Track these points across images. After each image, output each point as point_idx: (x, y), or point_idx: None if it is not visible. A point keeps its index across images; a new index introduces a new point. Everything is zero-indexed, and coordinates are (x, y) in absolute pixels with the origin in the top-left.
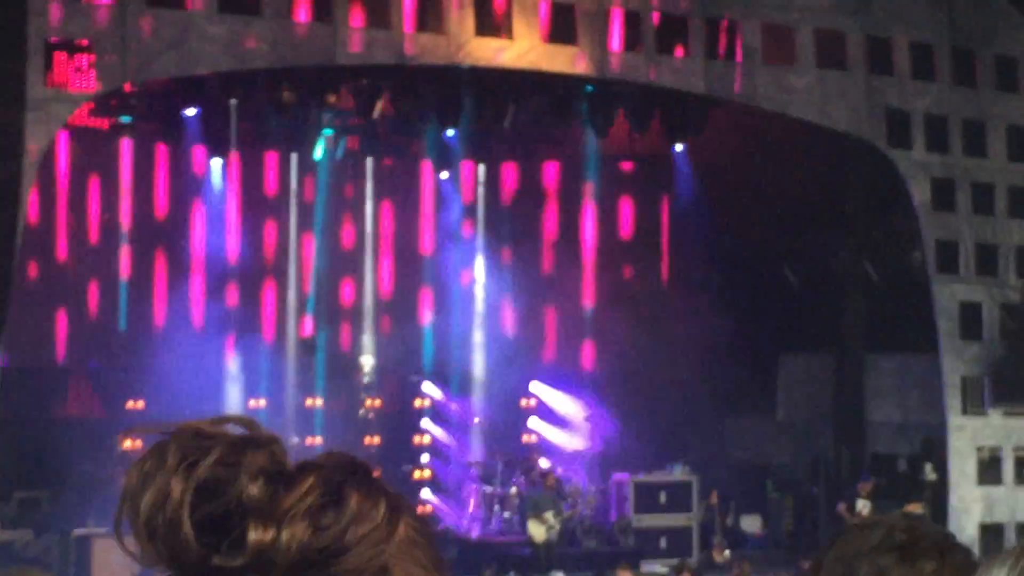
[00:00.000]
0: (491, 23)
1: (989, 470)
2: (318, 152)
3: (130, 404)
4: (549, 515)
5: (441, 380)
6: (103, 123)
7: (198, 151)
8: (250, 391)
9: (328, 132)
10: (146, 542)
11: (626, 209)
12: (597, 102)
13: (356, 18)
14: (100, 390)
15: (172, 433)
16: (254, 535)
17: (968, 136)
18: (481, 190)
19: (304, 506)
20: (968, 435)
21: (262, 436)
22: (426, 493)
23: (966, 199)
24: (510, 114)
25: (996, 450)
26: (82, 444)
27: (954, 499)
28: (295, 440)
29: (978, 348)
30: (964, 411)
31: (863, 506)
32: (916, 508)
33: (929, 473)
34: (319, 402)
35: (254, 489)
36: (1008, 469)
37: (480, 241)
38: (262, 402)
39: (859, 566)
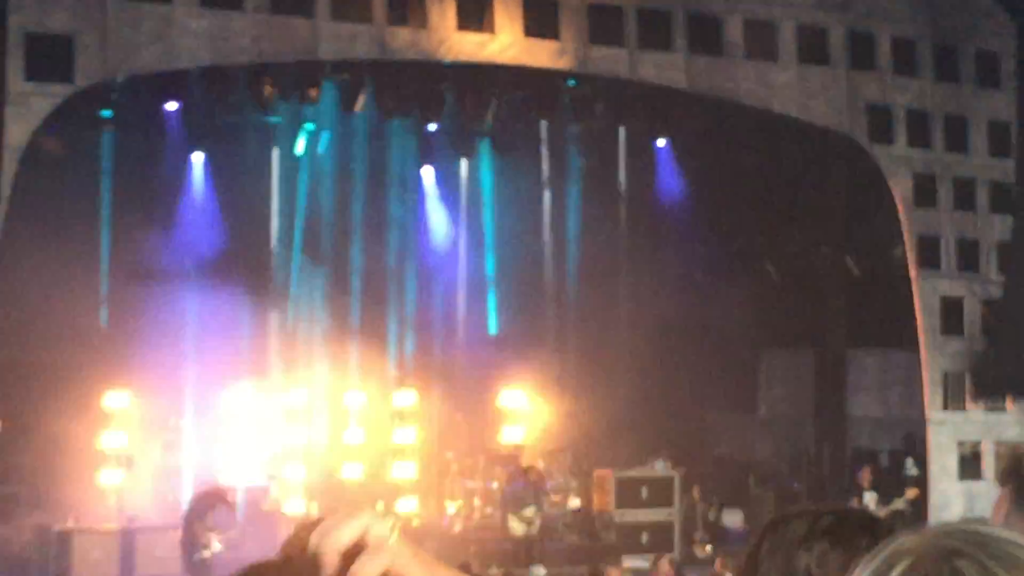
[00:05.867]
0: (473, 17)
1: (970, 465)
2: (299, 147)
3: (110, 399)
4: (530, 511)
5: (422, 375)
6: (84, 117)
7: (179, 145)
8: (233, 386)
9: (310, 127)
10: None
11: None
12: (579, 97)
13: (337, 13)
14: (81, 385)
15: None
16: None
17: (950, 131)
18: (464, 184)
19: None
20: (949, 430)
21: None
22: (407, 488)
23: (948, 194)
24: (492, 109)
25: (977, 445)
26: (62, 440)
27: (935, 494)
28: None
29: (959, 343)
30: (945, 406)
31: (871, 498)
32: (913, 494)
33: (910, 468)
34: (301, 397)
35: None
36: (989, 464)
37: (463, 236)
38: (243, 397)
39: (799, 557)
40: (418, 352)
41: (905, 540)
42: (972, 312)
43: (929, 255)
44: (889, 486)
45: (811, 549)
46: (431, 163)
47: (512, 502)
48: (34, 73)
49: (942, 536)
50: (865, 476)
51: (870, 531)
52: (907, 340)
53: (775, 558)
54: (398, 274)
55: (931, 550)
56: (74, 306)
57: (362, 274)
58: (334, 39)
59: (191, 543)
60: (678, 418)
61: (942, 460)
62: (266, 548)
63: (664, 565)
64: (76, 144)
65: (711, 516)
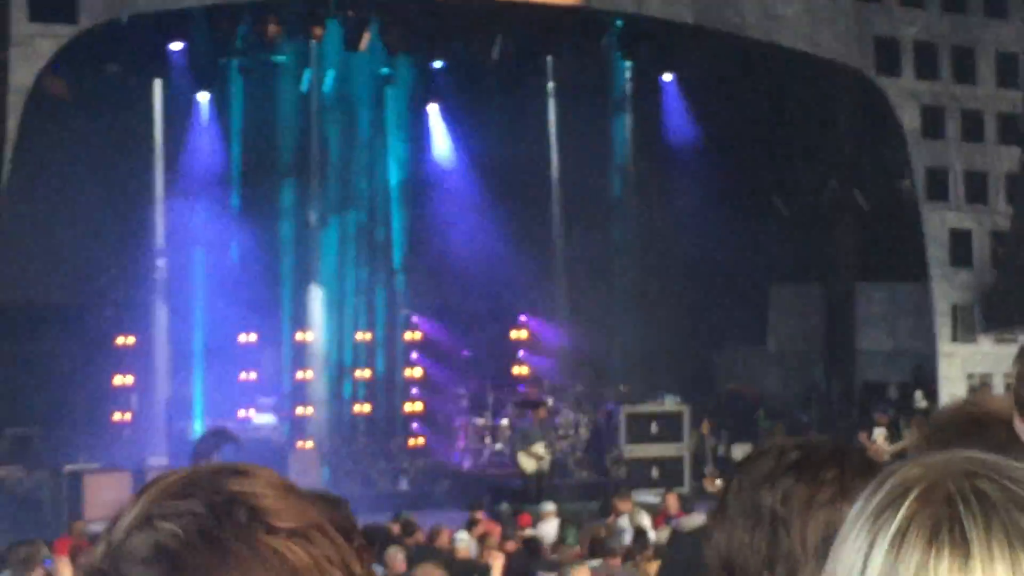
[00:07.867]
0: None
1: None
2: (305, 86)
3: (120, 340)
4: (539, 447)
5: (430, 313)
6: (89, 58)
7: (185, 85)
8: (242, 326)
9: (314, 66)
10: None
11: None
12: (586, 32)
13: None
14: (90, 326)
15: None
16: None
17: (957, 63)
18: (469, 119)
19: None
20: (958, 362)
21: None
22: (417, 426)
23: (955, 126)
24: (498, 45)
25: (987, 377)
26: (72, 380)
27: None
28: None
29: (968, 275)
30: (954, 338)
31: (879, 434)
32: None
33: (920, 400)
34: (309, 336)
35: None
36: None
37: (470, 171)
38: (253, 336)
39: (763, 496)
40: (426, 288)
41: (913, 465)
42: (981, 244)
43: (937, 187)
44: (899, 420)
45: (775, 487)
46: (437, 100)
47: (522, 438)
48: (38, 15)
49: (954, 460)
50: (882, 418)
51: (838, 463)
52: (916, 273)
53: (741, 498)
54: (403, 210)
55: (948, 472)
56: (83, 246)
57: (368, 211)
58: None
59: None
60: (687, 353)
61: (952, 392)
62: None
63: (673, 500)
64: (81, 85)
65: (721, 450)
